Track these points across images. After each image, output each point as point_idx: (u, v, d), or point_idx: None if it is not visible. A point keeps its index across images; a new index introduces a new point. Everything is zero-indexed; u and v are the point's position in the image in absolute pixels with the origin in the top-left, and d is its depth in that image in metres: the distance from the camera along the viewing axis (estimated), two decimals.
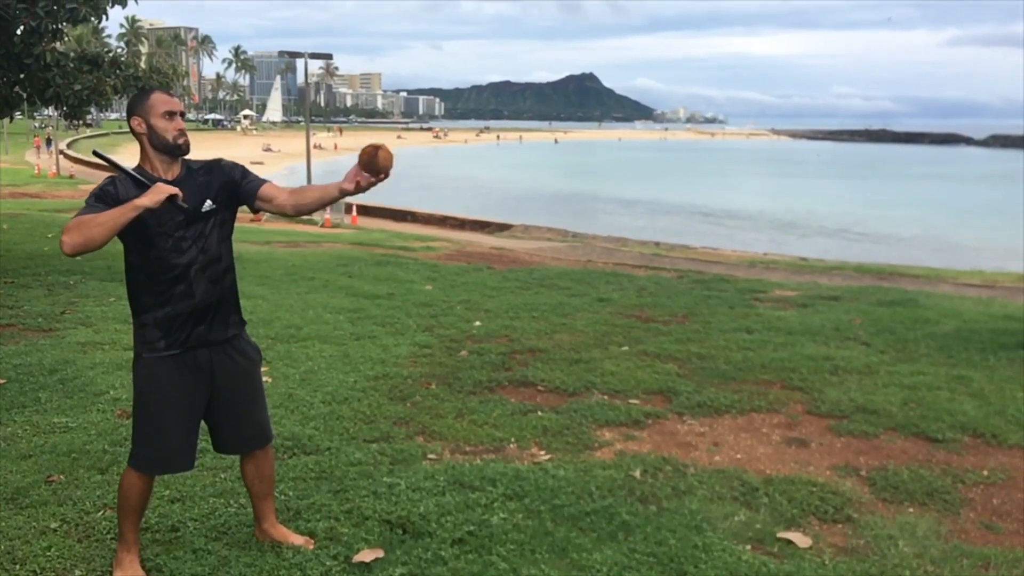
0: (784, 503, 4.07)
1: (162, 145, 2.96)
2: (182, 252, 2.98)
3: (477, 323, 8.06)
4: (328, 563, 3.27)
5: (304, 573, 3.20)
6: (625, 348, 7.26)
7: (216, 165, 3.14)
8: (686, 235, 23.68)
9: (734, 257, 16.55)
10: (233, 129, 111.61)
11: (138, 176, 2.93)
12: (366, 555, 3.30)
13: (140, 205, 2.76)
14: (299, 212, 3.18)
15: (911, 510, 4.10)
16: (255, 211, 3.30)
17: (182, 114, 3.05)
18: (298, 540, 3.39)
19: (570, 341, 7.47)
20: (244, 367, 3.21)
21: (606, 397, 5.84)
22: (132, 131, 3.00)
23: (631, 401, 5.76)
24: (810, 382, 6.24)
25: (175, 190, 2.81)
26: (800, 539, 3.70)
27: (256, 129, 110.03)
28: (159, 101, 2.96)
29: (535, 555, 3.41)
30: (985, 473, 4.58)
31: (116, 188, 2.89)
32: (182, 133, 2.98)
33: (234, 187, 3.09)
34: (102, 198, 2.86)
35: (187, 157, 3.07)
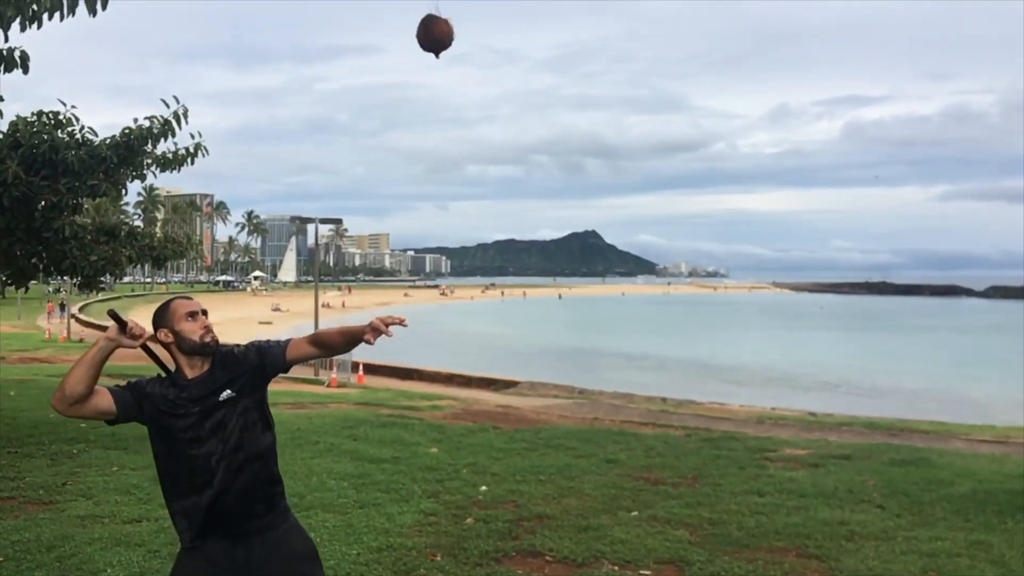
0: None
1: (191, 348, 3.02)
2: (201, 443, 2.95)
3: (483, 488, 7.93)
4: None
5: None
6: (635, 513, 7.10)
7: (232, 357, 3.10)
8: (692, 390, 23.61)
9: (742, 413, 16.43)
10: (243, 290, 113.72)
11: (169, 374, 3.06)
12: None
13: (107, 337, 2.86)
14: (333, 352, 3.24)
15: None
16: (288, 369, 3.29)
17: (204, 312, 3.11)
18: None
19: (578, 506, 7.32)
20: (287, 560, 3.03)
21: (616, 568, 5.68)
22: (161, 343, 3.05)
23: (642, 572, 5.59)
24: (826, 549, 6.07)
25: (132, 325, 2.89)
26: None
27: (266, 289, 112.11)
28: (180, 307, 3.06)
29: None
30: None
31: (144, 381, 3.02)
32: (208, 331, 3.03)
33: (256, 372, 3.08)
34: (131, 384, 3.00)
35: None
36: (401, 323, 3.00)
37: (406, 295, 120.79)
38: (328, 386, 18.63)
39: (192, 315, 3.03)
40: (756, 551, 6.06)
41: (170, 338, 3.02)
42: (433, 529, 6.51)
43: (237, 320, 57.51)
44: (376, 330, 2.95)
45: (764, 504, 7.42)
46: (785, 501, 7.52)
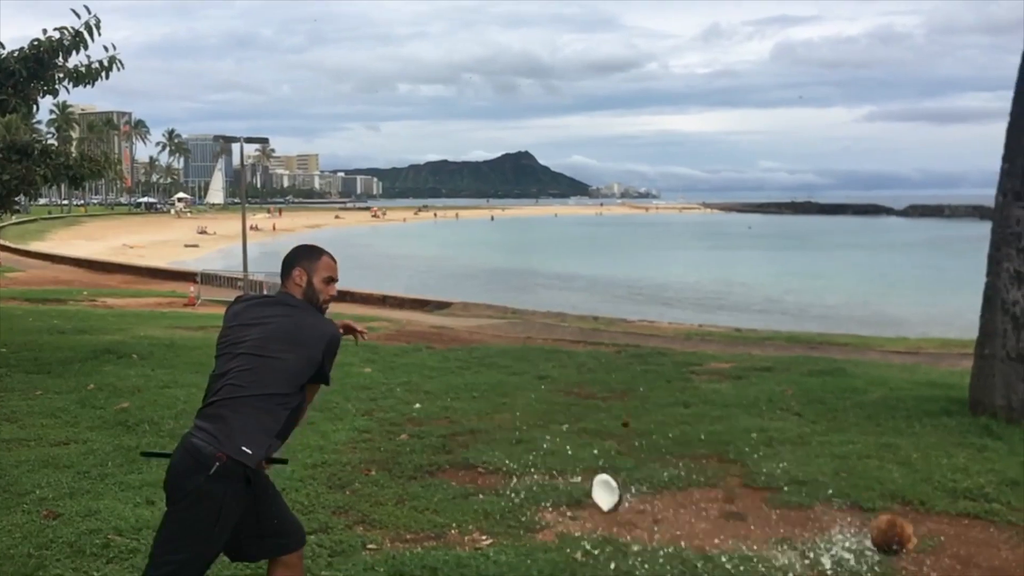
0: None
1: (311, 301, 3.19)
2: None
3: (417, 405, 8.03)
4: None
5: None
6: (565, 427, 7.30)
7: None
8: (624, 309, 24.05)
9: (670, 330, 16.84)
10: (167, 212, 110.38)
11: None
12: None
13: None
14: None
15: None
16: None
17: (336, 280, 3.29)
18: None
19: (511, 421, 7.49)
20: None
21: (547, 477, 5.86)
22: (289, 274, 3.20)
23: (572, 480, 5.78)
24: (746, 454, 6.36)
25: None
26: None
27: (191, 211, 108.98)
28: (325, 266, 3.23)
29: None
30: (915, 541, 4.70)
31: None
32: (331, 299, 3.24)
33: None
34: None
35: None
36: (363, 334, 3.50)
37: (337, 217, 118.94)
38: None
39: (330, 280, 3.24)
40: (680, 458, 6.32)
41: (302, 281, 3.17)
42: (367, 445, 6.60)
43: (162, 243, 56.08)
44: (349, 328, 3.38)
45: (689, 415, 7.71)
46: (709, 411, 7.82)
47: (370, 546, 4.52)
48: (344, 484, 5.60)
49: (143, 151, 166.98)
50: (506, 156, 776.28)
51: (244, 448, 2.85)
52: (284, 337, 3.02)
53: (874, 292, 32.17)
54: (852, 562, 4.40)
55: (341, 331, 3.33)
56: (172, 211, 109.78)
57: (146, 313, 17.06)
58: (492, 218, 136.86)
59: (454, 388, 8.88)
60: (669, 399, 8.45)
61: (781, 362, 10.76)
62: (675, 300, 30.07)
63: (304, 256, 3.23)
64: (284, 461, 3.35)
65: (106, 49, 9.17)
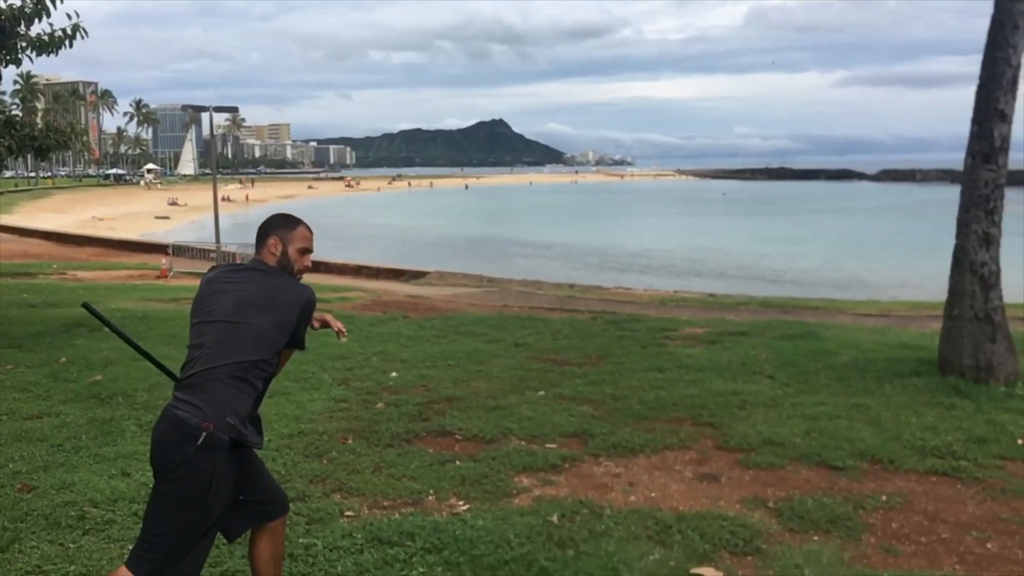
0: (696, 539, 4.19)
1: (286, 271, 3.17)
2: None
3: (393, 374, 8.04)
4: None
5: None
6: (541, 393, 7.35)
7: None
8: (599, 276, 24.13)
9: (645, 296, 16.94)
10: (136, 183, 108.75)
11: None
12: None
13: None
14: None
15: (816, 538, 4.26)
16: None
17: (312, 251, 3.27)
18: None
19: (487, 388, 7.52)
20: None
21: (523, 443, 5.90)
22: (264, 242, 3.18)
23: (548, 446, 5.83)
24: (719, 417, 6.44)
25: None
26: (712, 574, 3.81)
27: (161, 183, 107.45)
28: (301, 237, 3.21)
29: None
30: (884, 498, 4.81)
31: None
32: (305, 270, 3.23)
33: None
34: None
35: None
36: (342, 332, 3.48)
37: (310, 187, 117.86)
38: None
39: (305, 251, 3.22)
40: (655, 422, 6.39)
41: (277, 250, 3.16)
42: (344, 414, 6.61)
43: (132, 215, 55.36)
44: (325, 322, 3.40)
45: (663, 379, 7.77)
46: (683, 376, 7.89)
47: (348, 513, 4.54)
48: (321, 453, 5.61)
49: (110, 122, 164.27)
50: (480, 124, 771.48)
51: (229, 419, 2.85)
52: (258, 302, 2.99)
53: (847, 257, 32.47)
54: (816, 515, 4.49)
55: (318, 325, 3.37)
56: (142, 182, 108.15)
57: (117, 286, 16.87)
58: (467, 187, 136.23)
59: (430, 357, 8.89)
60: (644, 364, 8.51)
61: (755, 326, 10.86)
62: (650, 267, 30.20)
63: (280, 225, 3.20)
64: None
65: (69, 17, 8.97)
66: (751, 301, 15.21)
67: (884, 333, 10.28)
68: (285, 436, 5.91)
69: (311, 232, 3.24)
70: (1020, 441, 5.78)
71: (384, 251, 33.95)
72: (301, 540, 4.07)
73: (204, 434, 2.80)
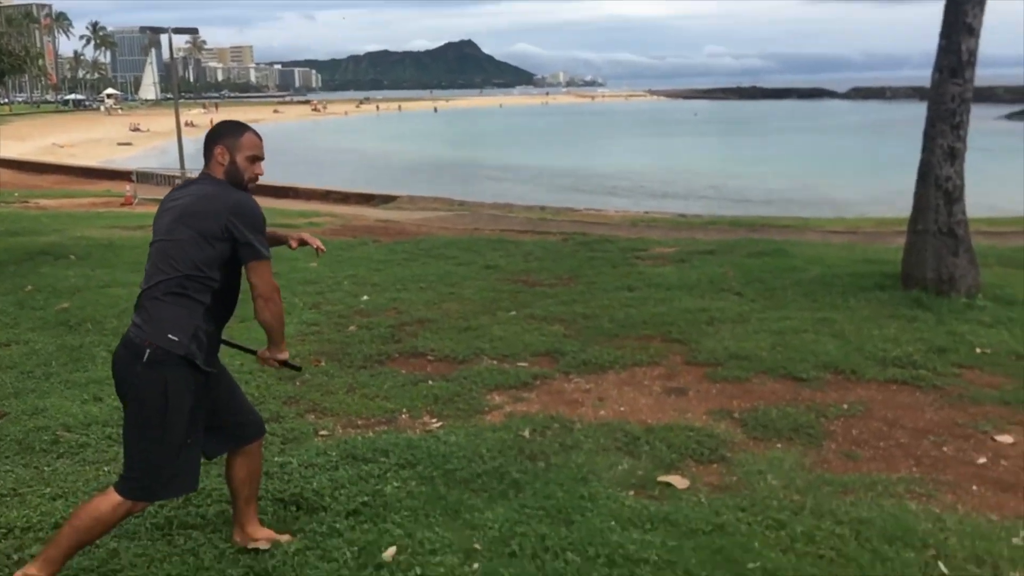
0: (664, 449, 4.30)
1: (235, 181, 3.05)
2: (240, 278, 3.07)
3: (365, 297, 8.05)
4: (222, 546, 3.28)
5: (198, 558, 3.19)
6: (513, 313, 7.40)
7: None
8: (571, 198, 24.07)
9: (617, 217, 16.96)
10: (97, 109, 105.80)
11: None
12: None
13: (281, 358, 3.17)
14: None
15: (779, 446, 4.40)
16: None
17: (263, 159, 3.16)
18: (283, 537, 3.35)
19: (458, 309, 7.56)
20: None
21: (495, 362, 5.97)
22: (211, 153, 3.07)
23: (519, 364, 5.90)
24: (688, 334, 6.54)
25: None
26: (679, 481, 3.93)
27: (121, 108, 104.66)
28: (249, 144, 3.09)
29: (429, 519, 3.51)
30: (845, 407, 4.95)
31: None
32: (256, 178, 3.12)
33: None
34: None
35: None
36: (320, 249, 3.40)
37: (276, 112, 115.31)
38: None
39: (255, 159, 3.10)
40: (625, 339, 6.48)
41: (224, 159, 3.05)
42: (316, 337, 6.63)
43: (93, 142, 54.03)
44: (303, 240, 3.34)
45: (633, 298, 7.85)
46: (652, 294, 7.97)
47: (322, 432, 4.60)
48: (294, 375, 5.63)
49: (67, 45, 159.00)
50: (448, 45, 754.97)
51: (171, 336, 2.85)
52: (187, 215, 2.93)
53: (816, 175, 32.62)
54: (779, 424, 4.62)
55: (296, 244, 3.35)
56: (102, 108, 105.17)
57: (81, 214, 16.57)
58: (436, 110, 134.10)
59: (401, 280, 8.90)
60: (614, 284, 8.58)
61: (723, 245, 10.95)
62: (621, 189, 30.15)
63: (226, 133, 3.09)
64: (298, 368, 3.38)
65: None
66: (720, 220, 15.29)
67: (850, 249, 10.41)
68: (257, 359, 5.91)
69: (260, 138, 3.13)
70: (978, 350, 5.94)
71: (353, 176, 33.54)
72: (276, 459, 4.13)
73: (148, 351, 2.82)
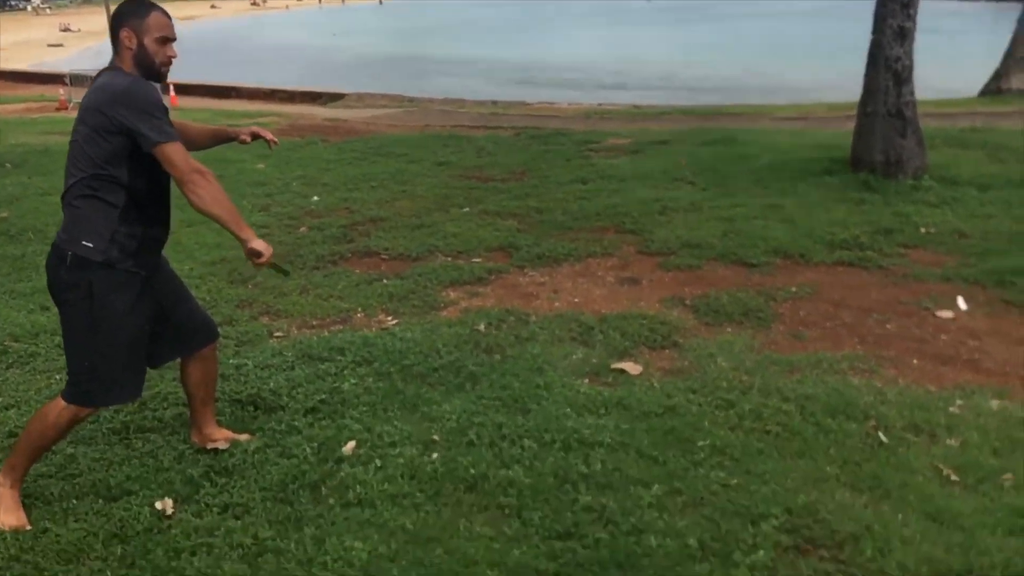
0: (617, 337, 4.37)
1: (146, 67, 2.85)
2: (163, 172, 2.85)
3: (315, 198, 7.91)
4: (180, 447, 3.30)
5: (156, 460, 3.21)
6: (466, 209, 7.35)
7: None
8: (523, 92, 23.63)
9: (570, 110, 16.74)
10: (23, 9, 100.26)
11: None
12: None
13: (253, 247, 2.90)
14: (194, 149, 3.22)
15: (729, 329, 4.49)
16: None
17: (175, 40, 2.93)
18: (242, 437, 3.36)
19: (411, 207, 7.48)
20: (165, 262, 3.14)
21: (449, 258, 5.96)
22: (117, 38, 2.85)
23: (474, 260, 5.90)
24: (641, 224, 6.57)
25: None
26: (632, 367, 4.01)
27: (50, 8, 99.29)
28: (157, 24, 2.85)
29: (387, 413, 3.56)
30: (794, 289, 5.05)
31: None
32: (170, 62, 2.91)
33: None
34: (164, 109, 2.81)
35: None
36: (273, 141, 3.35)
37: (213, 7, 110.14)
38: None
39: (165, 40, 2.88)
40: (579, 232, 6.49)
41: (132, 43, 2.84)
42: (267, 240, 6.50)
43: (22, 44, 51.32)
44: (256, 134, 3.30)
45: (587, 190, 7.83)
46: (606, 186, 7.96)
47: (277, 334, 4.58)
48: (246, 278, 5.57)
49: None
50: None
51: (85, 243, 2.77)
52: (81, 113, 2.80)
53: (769, 61, 32.34)
54: (730, 308, 4.71)
55: (248, 138, 3.29)
56: (29, 8, 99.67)
57: (14, 120, 15.88)
58: (381, 2, 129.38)
59: (352, 179, 8.75)
60: (568, 177, 8.54)
61: (677, 135, 10.90)
62: (575, 81, 29.62)
63: (131, 14, 2.85)
64: (285, 271, 3.27)
65: None
66: (674, 110, 15.16)
67: (801, 135, 10.43)
68: (207, 264, 5.84)
69: (169, 18, 2.91)
70: (923, 230, 6.07)
71: (298, 74, 32.41)
72: (231, 361, 4.12)
73: (69, 254, 2.77)
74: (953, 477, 2.98)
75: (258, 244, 2.89)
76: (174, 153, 2.74)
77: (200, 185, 2.75)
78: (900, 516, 2.73)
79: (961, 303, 4.71)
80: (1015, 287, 4.90)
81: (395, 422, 3.46)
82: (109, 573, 2.57)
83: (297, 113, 16.68)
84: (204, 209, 2.79)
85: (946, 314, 4.60)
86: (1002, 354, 4.08)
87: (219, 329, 4.43)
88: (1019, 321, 4.50)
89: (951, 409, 3.47)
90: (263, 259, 2.89)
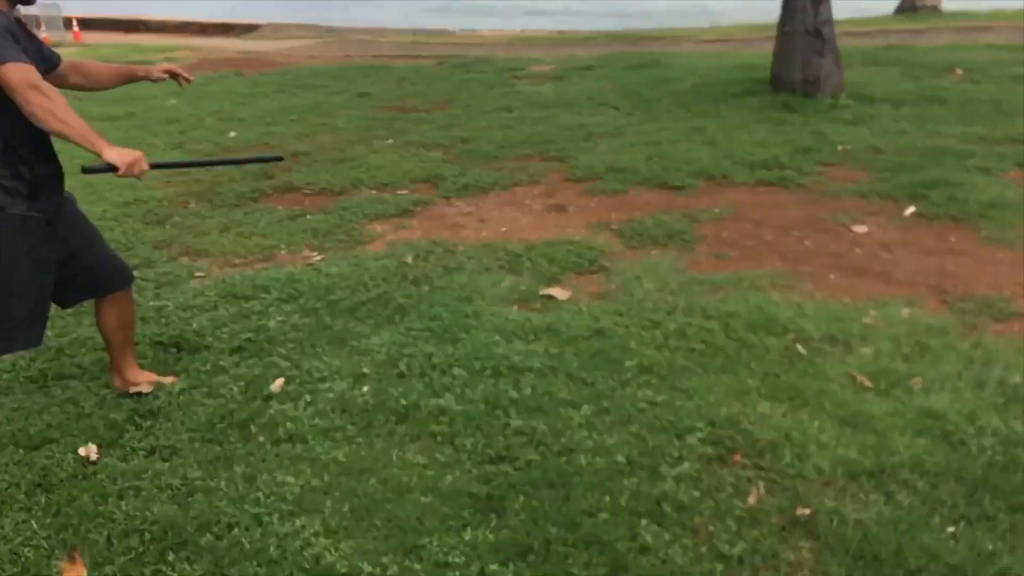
0: (545, 264, 4.39)
1: None
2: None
3: (232, 134, 7.67)
4: (102, 392, 3.22)
5: (78, 406, 3.13)
6: (389, 141, 7.23)
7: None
8: (445, 20, 23.13)
9: (492, 38, 16.49)
10: None
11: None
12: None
13: (109, 157, 2.68)
14: (97, 88, 3.23)
15: (654, 252, 4.55)
16: None
17: None
18: (166, 379, 3.27)
19: (333, 141, 7.32)
20: (72, 204, 3.00)
21: (374, 192, 5.87)
22: None
23: (399, 192, 5.82)
24: (566, 151, 6.56)
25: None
26: (560, 293, 4.04)
27: None
28: None
29: (315, 349, 3.52)
30: (716, 210, 5.13)
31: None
32: None
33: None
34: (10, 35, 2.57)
35: None
36: (187, 79, 3.26)
37: None
38: None
39: None
40: (504, 160, 6.45)
41: None
42: (183, 178, 6.32)
43: None
44: (173, 73, 3.20)
45: (511, 118, 7.77)
46: (531, 113, 7.90)
47: (198, 274, 4.47)
48: (162, 219, 5.40)
49: None
50: None
51: None
52: None
53: None
54: (655, 231, 4.77)
55: (164, 75, 3.17)
56: None
57: None
58: None
59: (270, 113, 8.50)
60: (492, 105, 8.45)
61: (601, 60, 10.85)
62: (496, 8, 29.11)
63: None
64: (113, 169, 2.80)
65: None
66: (598, 35, 15.08)
67: (722, 57, 10.50)
68: (120, 204, 5.63)
69: None
70: (840, 148, 6.20)
71: (209, 4, 31.10)
72: (152, 303, 4.01)
73: None
74: (866, 383, 3.10)
75: (112, 154, 2.69)
76: (11, 72, 2.48)
77: (36, 102, 2.50)
78: (817, 423, 2.84)
79: (910, 210, 4.83)
80: (926, 200, 5.06)
81: (324, 357, 3.43)
82: (34, 523, 2.51)
83: (210, 46, 16.05)
84: (47, 127, 2.58)
85: (861, 228, 4.74)
86: (912, 265, 4.23)
87: (137, 272, 4.32)
88: (929, 233, 4.66)
89: (865, 320, 3.60)
90: (121, 171, 2.72)
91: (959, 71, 8.68)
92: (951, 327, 3.53)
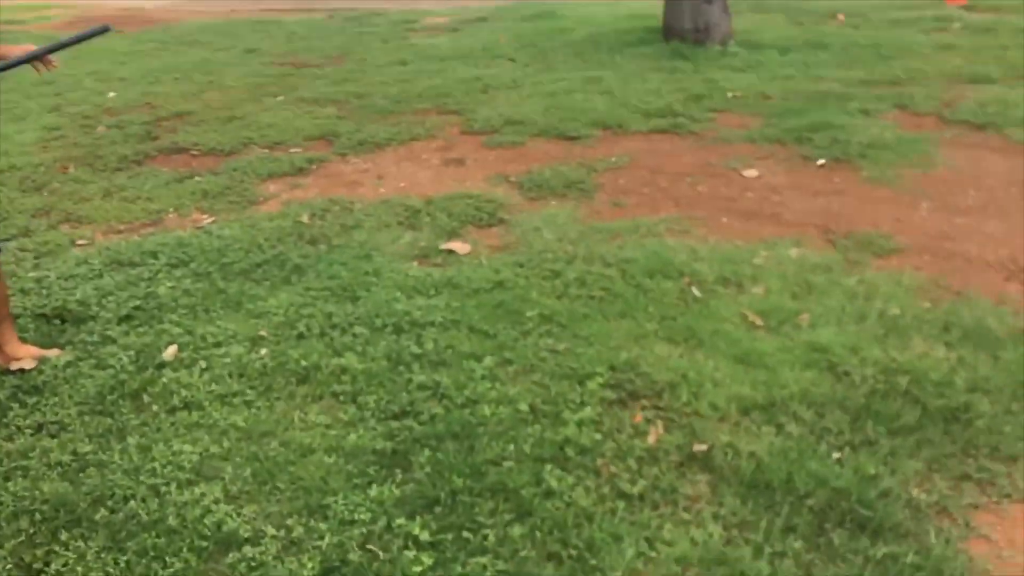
0: (445, 219, 4.36)
1: None
2: None
3: (112, 94, 7.30)
4: None
5: None
6: (280, 98, 7.01)
7: None
8: None
9: None
10: None
11: None
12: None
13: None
14: None
15: (553, 203, 4.57)
16: None
17: None
18: (50, 352, 3.10)
19: (221, 99, 7.05)
20: None
21: (266, 151, 5.70)
22: None
23: (292, 150, 5.67)
24: (463, 104, 6.49)
25: None
26: (460, 247, 4.02)
27: None
28: None
29: (209, 314, 3.42)
30: (613, 159, 5.18)
31: None
32: None
33: None
34: None
35: None
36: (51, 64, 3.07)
37: None
38: None
39: None
40: (401, 115, 6.34)
41: None
42: (60, 143, 6.00)
43: None
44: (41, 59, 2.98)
45: (407, 72, 7.63)
46: (426, 67, 7.77)
47: (80, 242, 4.26)
48: (40, 186, 5.12)
49: None
50: None
51: None
52: None
53: None
54: (553, 182, 4.79)
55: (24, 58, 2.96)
56: None
57: None
58: None
59: (152, 72, 8.11)
60: (387, 59, 8.27)
61: (496, 11, 10.73)
62: None
63: None
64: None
65: None
66: None
67: (616, 7, 10.51)
68: None
69: None
70: (730, 94, 6.33)
71: None
72: (31, 274, 3.81)
73: None
74: (758, 322, 3.21)
75: None
76: None
77: None
78: (711, 362, 2.93)
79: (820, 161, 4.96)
80: (811, 143, 5.22)
81: (219, 322, 3.33)
82: None
83: (86, 3, 15.15)
84: None
85: (751, 173, 4.86)
86: (800, 206, 4.38)
87: (14, 242, 4.11)
88: (815, 175, 4.82)
89: (756, 260, 3.71)
90: None
91: (841, 16, 8.94)
92: (836, 264, 3.67)
